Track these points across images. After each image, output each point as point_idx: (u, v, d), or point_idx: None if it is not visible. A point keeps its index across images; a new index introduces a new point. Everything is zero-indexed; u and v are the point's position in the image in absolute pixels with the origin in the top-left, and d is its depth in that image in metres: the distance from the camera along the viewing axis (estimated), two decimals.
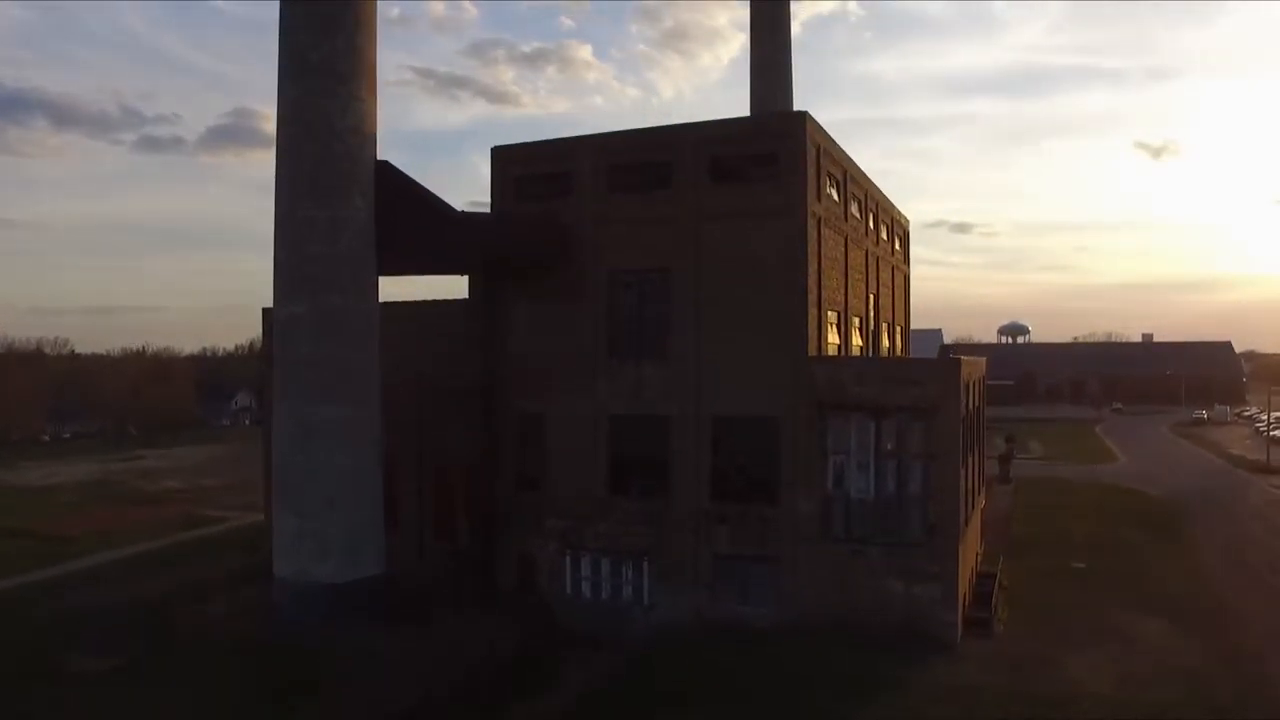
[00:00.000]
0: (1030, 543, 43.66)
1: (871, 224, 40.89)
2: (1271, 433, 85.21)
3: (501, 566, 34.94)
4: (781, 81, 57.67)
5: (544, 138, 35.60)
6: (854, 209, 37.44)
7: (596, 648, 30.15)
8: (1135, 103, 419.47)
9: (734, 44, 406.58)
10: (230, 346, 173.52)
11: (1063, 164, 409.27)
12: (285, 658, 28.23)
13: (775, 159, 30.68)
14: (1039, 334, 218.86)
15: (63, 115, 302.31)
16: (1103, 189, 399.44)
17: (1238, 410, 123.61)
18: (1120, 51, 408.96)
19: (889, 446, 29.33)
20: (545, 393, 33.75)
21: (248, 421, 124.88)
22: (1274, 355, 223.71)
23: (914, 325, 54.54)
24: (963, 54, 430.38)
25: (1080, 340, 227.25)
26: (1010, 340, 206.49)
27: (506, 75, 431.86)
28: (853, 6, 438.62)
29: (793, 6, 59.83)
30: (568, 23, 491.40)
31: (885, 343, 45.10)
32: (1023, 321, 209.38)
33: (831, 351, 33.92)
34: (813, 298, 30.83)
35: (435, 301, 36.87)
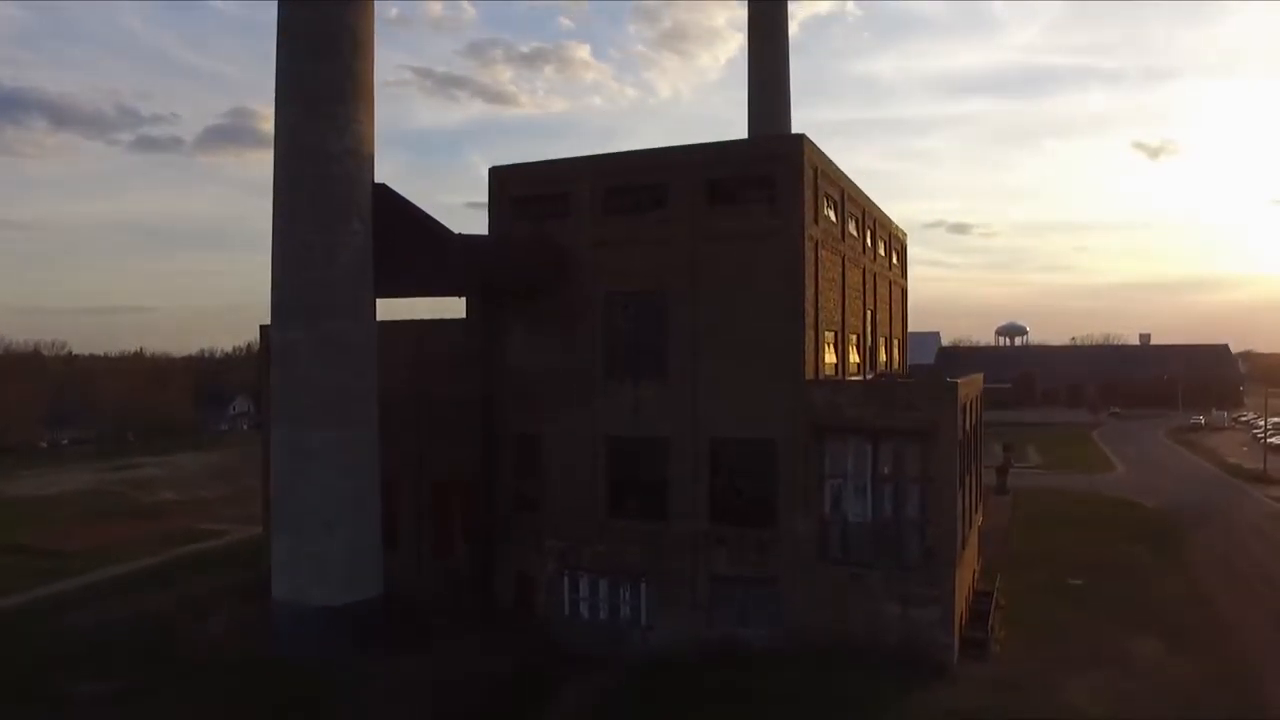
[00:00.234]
0: (1028, 558, 43.76)
1: (869, 240, 40.98)
2: (1269, 439, 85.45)
3: (500, 585, 35.00)
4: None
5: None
6: (851, 227, 37.53)
7: (595, 668, 30.26)
8: (1133, 103, 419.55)
9: (732, 44, 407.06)
10: (228, 348, 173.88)
11: (1061, 164, 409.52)
12: (285, 678, 28.36)
13: (772, 182, 30.74)
14: (1037, 334, 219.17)
15: (60, 115, 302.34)
16: (1101, 189, 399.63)
17: (1235, 415, 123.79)
18: (1118, 52, 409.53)
19: (886, 470, 29.41)
20: (543, 412, 33.80)
21: (245, 427, 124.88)
22: (1271, 355, 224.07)
23: (912, 327, 54.65)
24: (961, 54, 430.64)
25: (1078, 341, 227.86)
26: (1008, 341, 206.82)
27: (505, 75, 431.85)
28: (850, 7, 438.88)
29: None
30: (566, 23, 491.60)
31: (883, 357, 45.24)
32: (1021, 322, 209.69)
33: (828, 371, 34.01)
34: (810, 320, 30.90)
35: (433, 320, 36.91)
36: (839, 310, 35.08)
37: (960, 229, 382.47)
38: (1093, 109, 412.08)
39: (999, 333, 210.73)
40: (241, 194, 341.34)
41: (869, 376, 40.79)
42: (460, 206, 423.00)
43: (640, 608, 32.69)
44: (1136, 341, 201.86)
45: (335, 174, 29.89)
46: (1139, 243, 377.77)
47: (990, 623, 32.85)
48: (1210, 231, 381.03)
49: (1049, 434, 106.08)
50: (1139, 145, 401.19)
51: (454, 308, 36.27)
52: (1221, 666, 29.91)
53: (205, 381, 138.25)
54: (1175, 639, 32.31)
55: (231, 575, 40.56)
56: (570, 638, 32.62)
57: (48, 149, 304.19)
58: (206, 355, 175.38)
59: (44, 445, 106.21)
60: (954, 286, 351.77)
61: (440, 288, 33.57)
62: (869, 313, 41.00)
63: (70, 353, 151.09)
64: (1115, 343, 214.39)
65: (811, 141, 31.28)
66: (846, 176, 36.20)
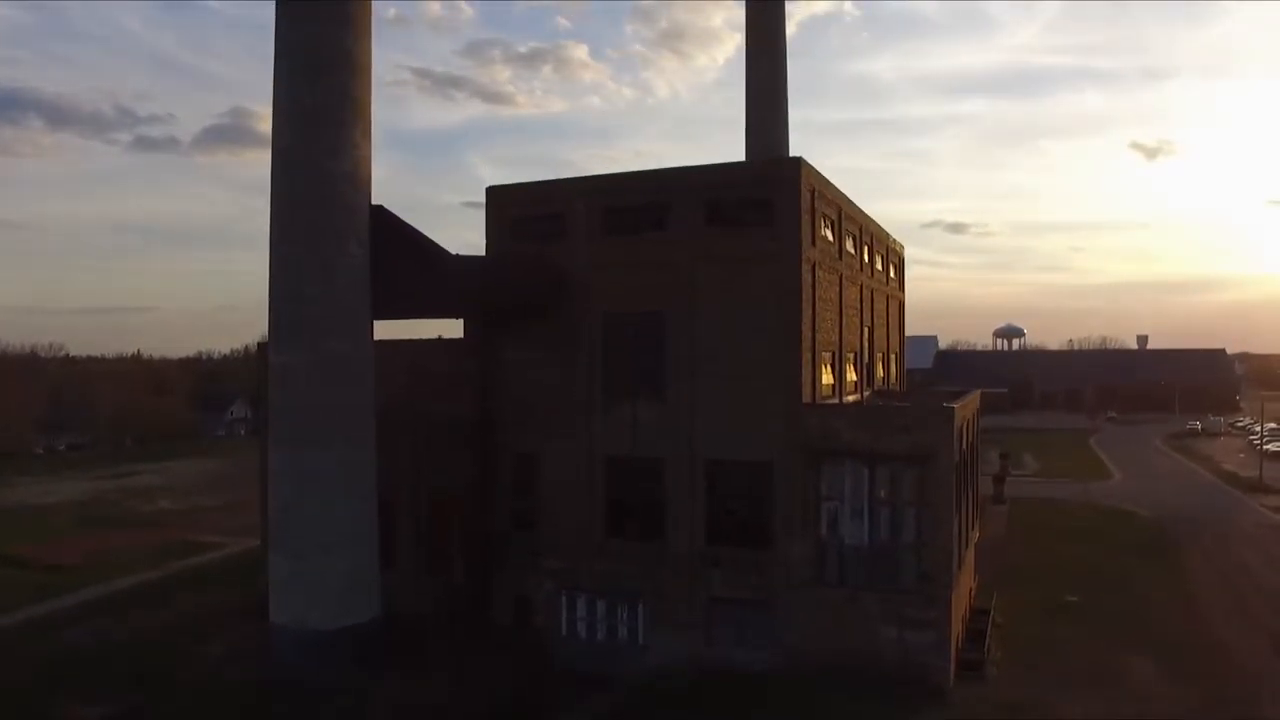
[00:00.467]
0: (1024, 572, 43.85)
1: (866, 257, 41.03)
2: (1265, 446, 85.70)
3: (498, 603, 35.06)
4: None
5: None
6: (848, 245, 37.57)
7: (592, 688, 30.36)
8: (1130, 103, 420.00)
9: (729, 45, 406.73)
10: (225, 350, 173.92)
11: (1058, 164, 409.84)
12: (285, 702, 28.39)
13: (770, 205, 30.79)
14: (1035, 336, 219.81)
15: (57, 115, 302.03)
16: (1098, 189, 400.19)
17: (1231, 421, 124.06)
18: (1115, 52, 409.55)
19: (883, 493, 29.50)
20: (541, 432, 33.86)
21: (243, 432, 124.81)
22: (1268, 356, 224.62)
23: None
24: (958, 54, 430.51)
25: (1075, 342, 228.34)
26: (1006, 343, 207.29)
27: (502, 75, 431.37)
28: (848, 7, 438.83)
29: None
30: (564, 23, 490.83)
31: (880, 373, 45.30)
32: (1018, 324, 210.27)
33: (825, 391, 34.06)
34: (807, 343, 30.98)
35: (431, 340, 36.96)
36: (836, 330, 35.13)
37: (957, 229, 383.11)
38: (1090, 109, 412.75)
39: (997, 334, 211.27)
40: (239, 194, 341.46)
41: (866, 393, 40.89)
42: (458, 206, 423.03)
43: (638, 628, 32.78)
44: (1134, 343, 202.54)
45: (332, 197, 29.86)
46: (1136, 243, 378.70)
47: (987, 643, 32.95)
48: (1207, 232, 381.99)
49: (1046, 439, 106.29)
50: (1136, 145, 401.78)
51: (452, 326, 36.37)
52: (1219, 688, 29.99)
53: (203, 385, 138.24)
54: (1170, 659, 32.42)
55: (229, 593, 40.51)
56: (568, 657, 32.73)
57: (45, 149, 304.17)
58: (204, 357, 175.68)
59: (40, 451, 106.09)
60: (951, 286, 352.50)
61: (438, 310, 33.60)
62: (866, 329, 41.06)
63: (68, 354, 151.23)
64: (1112, 345, 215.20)
65: (809, 164, 31.34)
66: (844, 194, 36.26)
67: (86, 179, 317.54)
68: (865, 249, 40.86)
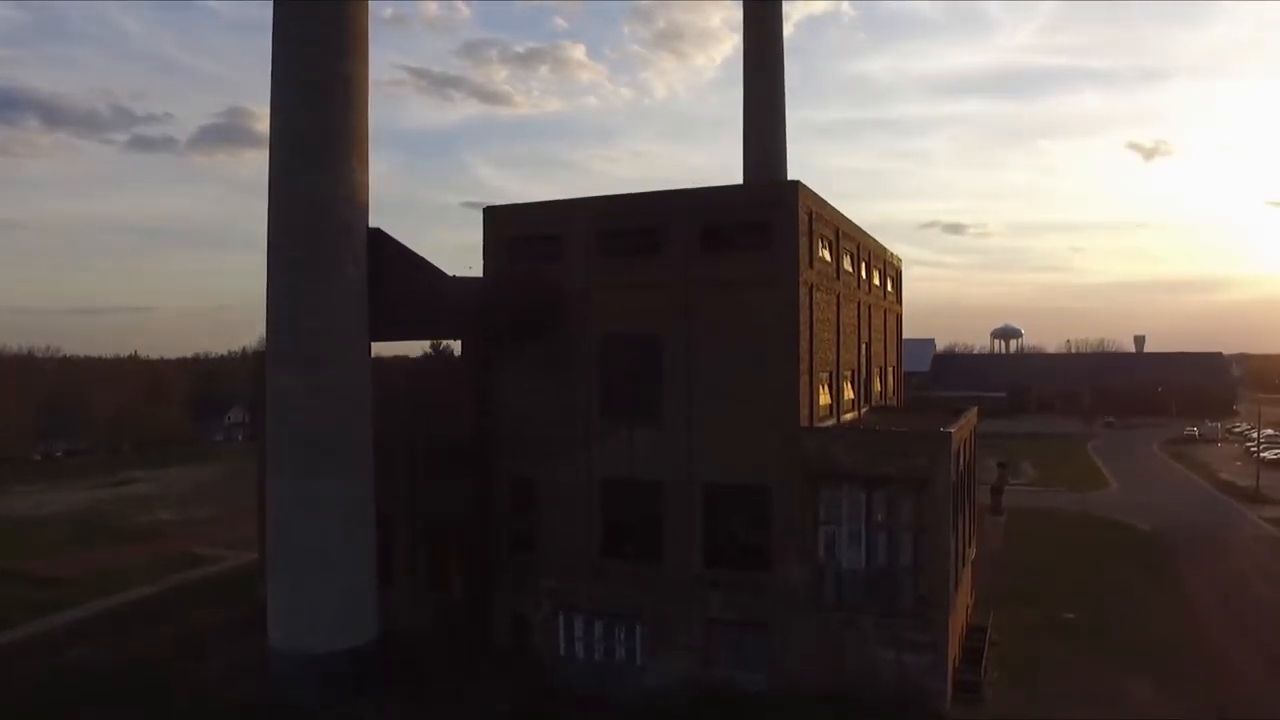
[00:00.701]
0: (1021, 588, 43.89)
1: (864, 274, 41.10)
2: (1261, 454, 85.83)
3: (496, 623, 35.04)
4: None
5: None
6: (846, 263, 37.62)
7: (590, 708, 30.48)
8: (1127, 103, 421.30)
9: (727, 44, 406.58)
10: (223, 351, 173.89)
11: (1056, 165, 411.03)
12: None
13: (768, 228, 30.81)
14: (1032, 336, 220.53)
15: (54, 115, 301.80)
16: (1095, 190, 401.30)
17: (1228, 426, 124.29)
18: (1112, 52, 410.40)
19: (880, 517, 29.57)
20: (538, 453, 33.87)
21: (241, 438, 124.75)
22: (1265, 356, 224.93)
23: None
24: (955, 55, 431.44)
25: (1072, 343, 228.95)
26: (1003, 345, 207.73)
27: (500, 75, 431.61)
28: (845, 7, 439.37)
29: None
30: (561, 23, 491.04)
31: (877, 387, 45.37)
32: (1016, 325, 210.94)
33: (823, 411, 34.12)
34: (804, 365, 31.03)
35: (428, 358, 37.00)
36: (833, 350, 35.19)
37: (955, 229, 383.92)
38: (1087, 109, 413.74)
39: (994, 335, 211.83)
40: (236, 193, 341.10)
41: (864, 409, 40.97)
42: (456, 206, 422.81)
43: (636, 649, 32.81)
44: (1131, 344, 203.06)
45: (330, 222, 29.90)
46: (1133, 243, 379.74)
47: (984, 663, 33.03)
48: (1204, 232, 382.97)
49: (1043, 446, 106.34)
50: (1133, 146, 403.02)
51: (449, 344, 36.40)
52: (1219, 710, 30.04)
53: (201, 389, 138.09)
54: (1168, 679, 32.54)
55: (229, 609, 40.47)
56: (566, 677, 32.80)
57: (41, 149, 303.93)
58: (202, 359, 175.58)
59: (38, 457, 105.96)
60: (949, 287, 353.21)
61: (436, 332, 33.67)
62: (864, 345, 41.14)
63: (65, 356, 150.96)
64: (1110, 346, 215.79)
65: (806, 187, 31.38)
66: (841, 214, 36.29)
67: (83, 179, 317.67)
68: (863, 265, 40.93)
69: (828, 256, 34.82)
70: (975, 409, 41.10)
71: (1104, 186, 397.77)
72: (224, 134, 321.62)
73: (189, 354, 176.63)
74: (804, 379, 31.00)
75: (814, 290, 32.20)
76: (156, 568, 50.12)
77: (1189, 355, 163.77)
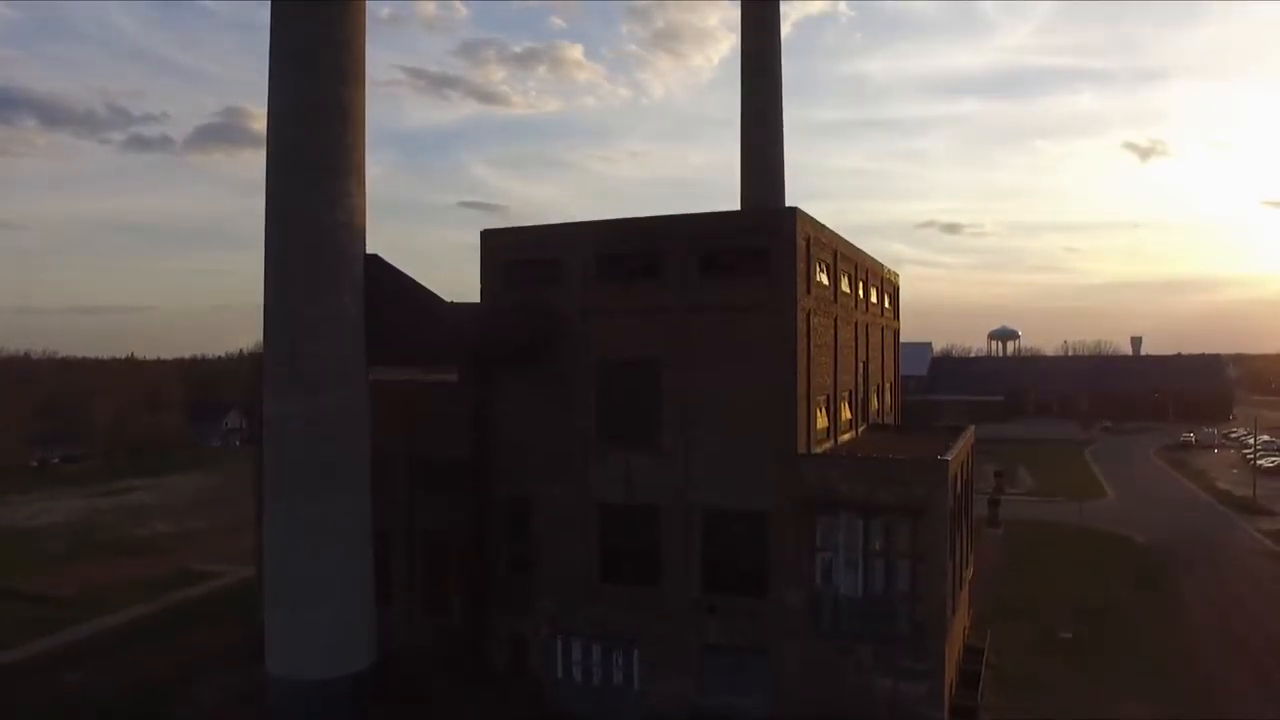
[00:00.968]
0: (1018, 607, 44.02)
1: (861, 293, 41.13)
2: (1258, 461, 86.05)
3: (494, 645, 35.07)
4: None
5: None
6: (844, 285, 37.67)
7: None
8: (1123, 103, 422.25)
9: (725, 44, 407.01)
10: (220, 353, 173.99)
11: (1052, 165, 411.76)
12: None
13: (765, 254, 30.82)
14: (1029, 337, 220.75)
15: (51, 114, 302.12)
16: (1092, 190, 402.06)
17: (1225, 432, 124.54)
18: (1108, 53, 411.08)
19: (877, 545, 29.58)
20: (536, 477, 33.88)
21: (238, 443, 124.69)
22: (1263, 357, 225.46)
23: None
24: (952, 55, 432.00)
25: (1070, 345, 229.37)
26: (1000, 346, 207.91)
27: (497, 75, 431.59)
28: (843, 7, 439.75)
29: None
30: (558, 23, 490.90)
31: (874, 405, 45.41)
32: (1013, 326, 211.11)
33: (820, 434, 34.15)
34: (802, 391, 31.06)
35: (426, 381, 36.94)
36: (831, 373, 35.23)
37: (952, 229, 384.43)
38: (1083, 110, 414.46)
39: (992, 336, 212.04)
40: (233, 193, 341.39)
41: (861, 429, 41.01)
42: (454, 206, 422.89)
43: (633, 672, 32.81)
44: (1128, 345, 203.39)
45: (327, 248, 29.83)
46: (1129, 243, 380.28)
47: (980, 687, 33.12)
48: (1201, 232, 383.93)
49: (1040, 452, 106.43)
50: (1129, 146, 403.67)
51: (447, 366, 36.30)
52: None
53: (198, 392, 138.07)
54: (1164, 701, 32.67)
55: (228, 630, 40.29)
56: (564, 700, 32.87)
57: (38, 148, 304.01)
58: (200, 360, 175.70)
59: (35, 464, 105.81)
60: (946, 287, 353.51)
61: (434, 358, 33.61)
62: (861, 365, 41.18)
63: (62, 358, 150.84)
64: (1107, 349, 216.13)
65: (805, 213, 31.42)
66: (838, 235, 36.31)
67: (80, 178, 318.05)
68: (860, 285, 40.96)
69: (825, 280, 34.85)
70: (972, 427, 41.14)
71: (1100, 186, 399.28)
72: (221, 133, 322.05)
73: (186, 355, 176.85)
74: (801, 405, 31.03)
75: (811, 316, 32.23)
76: (156, 585, 50.08)
77: (1186, 358, 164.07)
